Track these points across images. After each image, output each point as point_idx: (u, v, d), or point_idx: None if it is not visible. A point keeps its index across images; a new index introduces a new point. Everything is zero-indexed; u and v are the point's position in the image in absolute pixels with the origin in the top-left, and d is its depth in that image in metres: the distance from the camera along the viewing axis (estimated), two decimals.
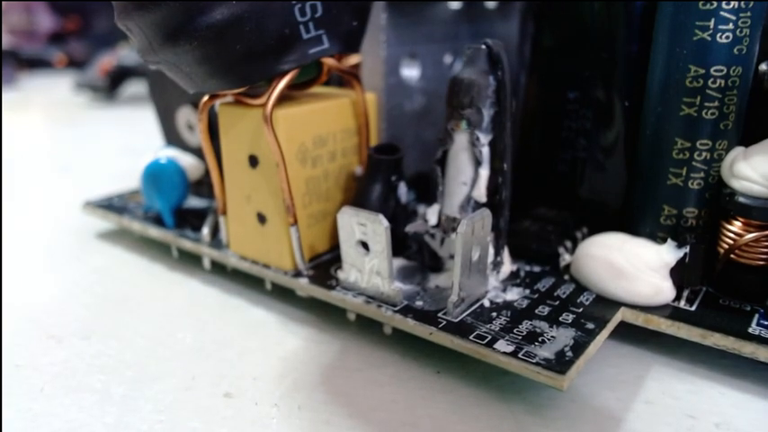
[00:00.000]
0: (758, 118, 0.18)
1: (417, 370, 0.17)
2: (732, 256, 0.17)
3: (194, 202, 0.26)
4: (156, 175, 0.24)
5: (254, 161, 0.20)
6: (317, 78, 0.20)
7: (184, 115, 0.26)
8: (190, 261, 0.24)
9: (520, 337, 0.16)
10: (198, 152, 0.26)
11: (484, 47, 0.18)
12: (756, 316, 0.17)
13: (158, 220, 0.25)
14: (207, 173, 0.24)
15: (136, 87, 0.66)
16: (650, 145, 0.18)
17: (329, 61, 0.19)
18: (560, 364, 0.15)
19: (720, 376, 0.17)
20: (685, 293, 0.18)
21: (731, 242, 0.17)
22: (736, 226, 0.17)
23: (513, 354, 0.15)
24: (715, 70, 0.17)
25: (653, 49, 0.18)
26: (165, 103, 0.27)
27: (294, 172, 0.19)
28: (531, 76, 0.22)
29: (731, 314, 0.17)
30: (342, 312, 0.19)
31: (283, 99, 0.19)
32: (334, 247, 0.21)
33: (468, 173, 0.19)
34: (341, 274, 0.19)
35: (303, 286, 0.19)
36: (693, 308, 0.17)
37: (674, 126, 0.18)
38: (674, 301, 0.18)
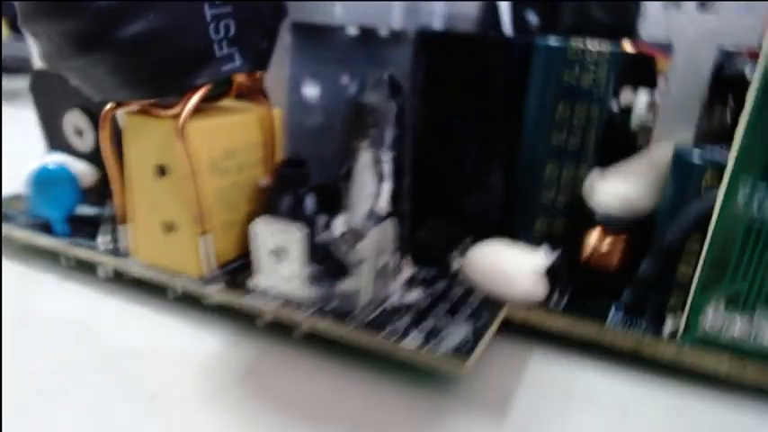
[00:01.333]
0: (611, 147, 0.22)
1: (332, 368, 0.19)
2: (593, 259, 0.21)
3: (85, 209, 0.26)
4: (46, 181, 0.23)
5: (162, 171, 0.20)
6: (227, 93, 0.21)
7: (72, 120, 0.26)
8: (84, 270, 0.23)
9: (424, 333, 0.18)
10: (87, 158, 0.26)
11: (387, 76, 0.20)
12: (612, 308, 0.20)
13: (46, 228, 0.24)
14: (100, 180, 0.24)
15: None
16: (526, 167, 0.22)
17: (239, 78, 0.20)
18: (461, 353, 0.17)
19: (588, 361, 0.20)
20: (557, 292, 0.21)
21: (593, 248, 0.21)
22: (596, 235, 0.21)
23: (419, 347, 0.17)
24: (579, 108, 0.20)
25: (528, 88, 0.21)
26: (50, 107, 0.26)
27: (204, 182, 0.20)
28: (423, 101, 0.24)
29: (593, 308, 0.20)
30: (254, 317, 0.20)
31: (194, 111, 0.20)
32: (243, 254, 0.21)
33: (371, 187, 0.20)
34: (254, 281, 0.20)
35: (216, 293, 0.20)
36: (563, 304, 0.20)
37: (545, 152, 0.21)
38: (548, 298, 0.21)
